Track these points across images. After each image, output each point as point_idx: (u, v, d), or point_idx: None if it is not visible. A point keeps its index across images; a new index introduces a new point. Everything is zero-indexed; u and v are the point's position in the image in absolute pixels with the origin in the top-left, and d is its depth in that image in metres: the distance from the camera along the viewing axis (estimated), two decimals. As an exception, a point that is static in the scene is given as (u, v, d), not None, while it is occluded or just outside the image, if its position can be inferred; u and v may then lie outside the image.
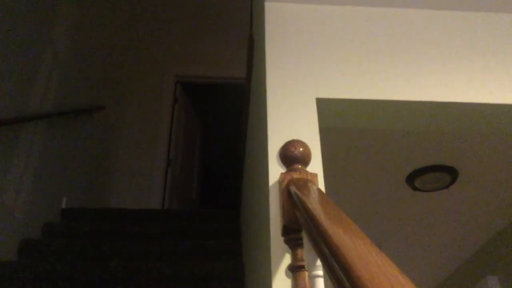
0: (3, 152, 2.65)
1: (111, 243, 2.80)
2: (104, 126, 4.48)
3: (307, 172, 1.18)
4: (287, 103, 1.50)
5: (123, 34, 5.14)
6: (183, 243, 2.82)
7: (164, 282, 2.48)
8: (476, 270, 3.04)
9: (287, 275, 1.14)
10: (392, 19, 1.81)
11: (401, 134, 1.99)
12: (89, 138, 4.06)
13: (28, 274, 2.45)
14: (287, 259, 1.17)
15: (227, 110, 6.56)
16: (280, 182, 1.20)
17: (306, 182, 1.11)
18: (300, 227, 1.04)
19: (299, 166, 1.18)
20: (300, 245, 1.06)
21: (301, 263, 1.03)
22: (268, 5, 1.78)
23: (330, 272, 0.67)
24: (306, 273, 1.00)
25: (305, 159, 1.20)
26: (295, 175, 1.16)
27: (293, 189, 1.08)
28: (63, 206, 3.44)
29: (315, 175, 1.17)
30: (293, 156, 1.19)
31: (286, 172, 1.19)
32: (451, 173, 2.28)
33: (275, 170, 1.30)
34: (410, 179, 2.32)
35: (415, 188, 2.38)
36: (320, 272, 0.89)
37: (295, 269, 1.04)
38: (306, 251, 0.95)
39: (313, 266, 0.90)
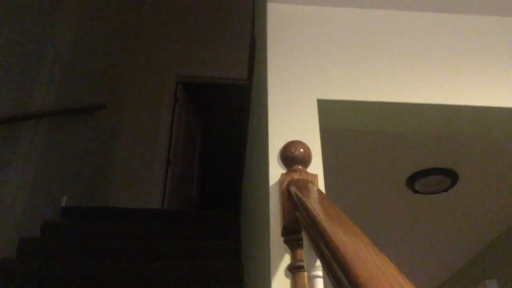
0: (4, 150, 2.65)
1: (111, 242, 2.80)
2: (105, 125, 4.48)
3: (307, 173, 1.18)
4: (288, 104, 1.51)
5: (124, 34, 5.14)
6: (183, 243, 2.82)
7: (163, 282, 2.49)
8: (475, 273, 3.04)
9: (286, 275, 1.14)
10: (393, 22, 1.81)
11: (402, 137, 1.99)
12: (89, 137, 4.06)
13: (27, 273, 2.45)
14: (286, 260, 1.17)
15: (227, 111, 6.56)
16: (280, 182, 1.20)
17: (306, 183, 1.11)
18: (300, 227, 1.04)
19: (300, 167, 1.19)
20: (300, 245, 1.07)
21: (300, 264, 1.03)
22: (270, 6, 1.78)
23: (329, 272, 0.67)
24: (306, 273, 1.00)
25: (305, 160, 1.20)
26: (296, 176, 1.16)
27: (293, 189, 1.08)
28: (63, 204, 3.44)
29: (315, 176, 1.18)
30: (293, 156, 1.19)
31: (286, 173, 1.19)
32: (451, 176, 2.28)
33: (276, 171, 1.30)
34: (410, 181, 2.32)
35: (415, 191, 2.38)
36: (319, 272, 0.89)
37: (294, 270, 1.04)
38: (306, 252, 0.95)
39: (312, 266, 0.90)
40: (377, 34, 1.77)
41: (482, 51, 1.76)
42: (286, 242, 1.12)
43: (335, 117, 1.66)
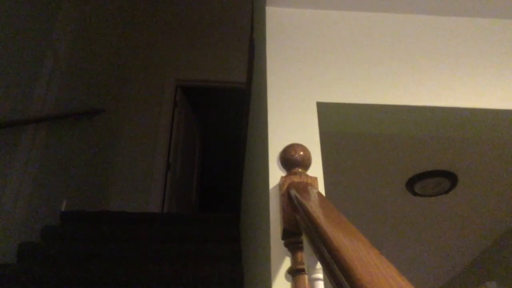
0: (3, 155, 2.65)
1: (110, 247, 2.79)
2: (104, 129, 4.48)
3: (307, 175, 1.18)
4: (287, 107, 1.51)
5: (123, 37, 5.15)
6: (183, 247, 2.82)
7: (163, 286, 2.48)
8: (476, 275, 3.04)
9: (287, 278, 1.14)
10: (392, 25, 1.81)
11: (401, 139, 1.99)
12: (89, 141, 4.06)
13: (27, 277, 2.45)
14: (287, 263, 1.17)
15: (227, 114, 6.57)
16: (280, 185, 1.20)
17: (306, 186, 1.11)
18: (300, 230, 1.04)
19: (299, 170, 1.19)
20: (300, 248, 1.07)
21: (301, 266, 1.03)
22: (269, 10, 1.79)
23: (330, 275, 0.67)
24: (306, 276, 1.00)
25: (305, 163, 1.20)
26: (295, 179, 1.16)
27: (293, 192, 1.09)
28: (63, 209, 3.44)
29: (315, 179, 1.18)
30: (293, 159, 1.19)
31: (286, 176, 1.19)
32: (451, 178, 2.28)
33: (275, 174, 1.30)
34: (410, 184, 2.32)
35: (415, 193, 2.38)
36: (320, 275, 0.89)
37: (295, 273, 1.04)
38: (306, 254, 0.95)
39: (313, 269, 0.90)
40: (375, 37, 1.77)
41: (481, 53, 1.77)
42: (286, 245, 1.12)
43: (335, 120, 1.66)
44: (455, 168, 2.22)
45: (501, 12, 1.85)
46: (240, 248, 2.87)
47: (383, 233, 2.79)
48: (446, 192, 2.38)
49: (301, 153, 1.20)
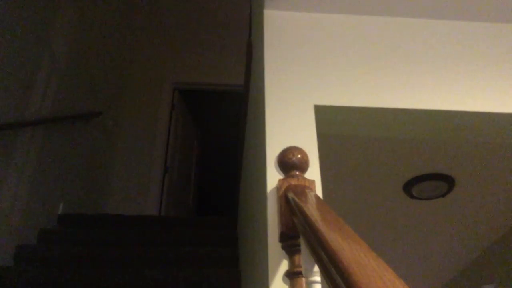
0: (0, 157, 2.65)
1: (107, 250, 2.79)
2: (102, 132, 4.48)
3: (304, 178, 1.18)
4: (285, 110, 1.51)
5: (121, 40, 5.15)
6: (180, 250, 2.81)
7: (161, 289, 2.48)
8: (473, 278, 3.04)
9: (284, 281, 1.14)
10: (389, 28, 1.82)
11: (399, 142, 2.00)
12: (86, 144, 4.05)
13: (24, 280, 2.44)
14: (284, 266, 1.17)
15: (224, 117, 6.57)
16: (277, 188, 1.20)
17: (303, 189, 1.11)
18: (298, 233, 1.04)
19: (297, 173, 1.19)
20: (298, 251, 1.06)
21: (298, 269, 1.03)
22: (267, 13, 1.79)
23: (327, 278, 0.67)
24: (304, 279, 1.00)
25: (303, 166, 1.20)
26: (293, 182, 1.16)
27: (290, 195, 1.08)
28: (60, 212, 3.43)
29: (313, 182, 1.18)
30: (291, 162, 1.19)
31: (284, 179, 1.19)
32: (448, 181, 2.28)
33: (273, 177, 1.30)
34: (407, 187, 2.32)
35: (412, 196, 2.39)
36: (317, 278, 0.89)
37: (292, 275, 1.04)
38: (304, 257, 0.95)
39: (310, 272, 0.90)
40: (373, 40, 1.78)
41: (477, 57, 1.77)
42: (284, 248, 1.12)
43: (332, 123, 1.66)
44: (453, 171, 2.22)
45: (498, 16, 1.86)
46: (237, 251, 2.87)
47: (380, 236, 2.79)
48: (443, 195, 2.38)
49: (299, 156, 1.20)
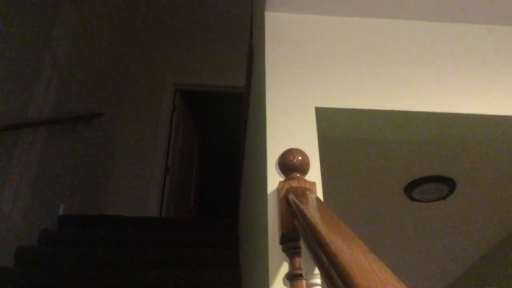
0: (1, 158, 2.65)
1: (108, 251, 2.78)
2: (103, 133, 4.48)
3: (305, 180, 1.18)
4: (286, 112, 1.51)
5: (122, 41, 5.15)
6: (180, 252, 2.81)
7: (161, 291, 2.47)
8: (474, 281, 3.03)
9: (284, 283, 1.14)
10: (390, 31, 1.82)
11: (400, 145, 2.00)
12: (87, 145, 4.06)
13: (24, 281, 2.44)
14: (285, 268, 1.17)
15: (225, 119, 6.57)
16: (278, 190, 1.20)
17: (304, 191, 1.11)
18: (298, 235, 1.04)
19: (298, 175, 1.19)
20: (298, 253, 1.06)
21: (299, 272, 1.03)
22: (268, 15, 1.79)
23: (328, 280, 0.67)
24: (304, 281, 1.00)
25: (303, 168, 1.20)
26: (294, 184, 1.16)
27: (291, 197, 1.08)
28: (60, 213, 3.43)
29: (314, 184, 1.18)
30: (291, 164, 1.19)
31: (284, 181, 1.19)
32: (449, 184, 2.28)
33: (274, 179, 1.30)
34: (408, 189, 2.32)
35: (413, 199, 2.38)
36: (318, 280, 0.89)
37: (293, 278, 1.04)
38: (304, 260, 0.95)
39: (311, 274, 0.89)
40: (374, 43, 1.78)
41: (478, 59, 1.77)
42: (284, 250, 1.12)
43: (333, 125, 1.66)
44: (454, 173, 2.22)
45: (499, 19, 1.86)
46: (238, 253, 2.87)
47: (381, 238, 2.78)
48: (444, 197, 2.38)
49: (300, 158, 1.20)
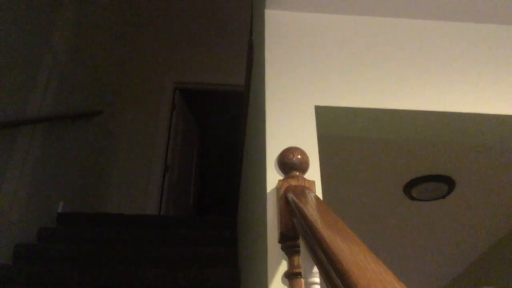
0: (0, 156, 2.65)
1: (107, 249, 2.78)
2: (102, 131, 4.47)
3: (304, 179, 1.17)
4: (285, 110, 1.51)
5: (122, 39, 5.15)
6: (179, 250, 2.81)
7: (160, 289, 2.47)
8: (473, 280, 3.04)
9: (283, 282, 1.14)
10: (390, 29, 1.82)
11: (399, 143, 1.99)
12: (86, 143, 4.05)
13: (23, 279, 2.44)
14: (283, 266, 1.16)
15: (225, 117, 6.56)
16: (277, 189, 1.19)
17: (303, 189, 1.11)
18: (297, 234, 1.04)
19: (297, 173, 1.18)
20: (297, 252, 1.06)
21: (297, 270, 1.03)
22: (268, 13, 1.79)
23: (326, 279, 0.67)
24: (303, 280, 1.00)
25: (303, 166, 1.20)
26: (293, 182, 1.16)
27: (290, 196, 1.08)
28: (59, 210, 3.43)
29: (313, 183, 1.17)
30: (291, 163, 1.19)
31: (283, 179, 1.19)
32: (448, 183, 2.28)
33: (273, 177, 1.30)
34: (407, 188, 2.32)
35: (412, 198, 2.38)
36: (316, 279, 0.88)
37: (291, 276, 1.04)
38: (303, 258, 0.94)
39: (309, 273, 0.89)
40: (374, 41, 1.77)
41: (478, 58, 1.77)
42: (283, 248, 1.12)
43: (333, 123, 1.66)
44: (453, 172, 2.22)
45: (500, 18, 1.86)
46: (237, 252, 2.87)
47: (380, 237, 2.78)
48: (444, 196, 2.38)
49: (299, 156, 1.19)
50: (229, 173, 6.15)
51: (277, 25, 1.76)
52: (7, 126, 2.64)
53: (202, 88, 5.60)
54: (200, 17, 5.48)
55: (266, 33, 1.73)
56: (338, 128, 1.69)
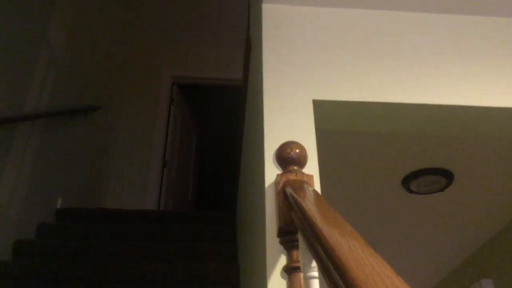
0: (-2, 152, 2.64)
1: (106, 244, 2.79)
2: (100, 126, 4.47)
3: (303, 173, 1.17)
4: (283, 105, 1.50)
5: (119, 34, 5.13)
6: (178, 245, 2.81)
7: (159, 284, 2.48)
8: (471, 273, 3.05)
9: (282, 276, 1.14)
10: (389, 22, 1.81)
11: (397, 137, 1.99)
12: (84, 139, 4.05)
13: (23, 275, 2.44)
14: (282, 261, 1.17)
15: (223, 112, 6.55)
16: (276, 183, 1.19)
17: (302, 184, 1.11)
18: (296, 228, 1.04)
19: (295, 168, 1.18)
20: (296, 246, 1.06)
21: (296, 265, 1.03)
22: (265, 7, 1.78)
23: (325, 273, 0.67)
24: (302, 274, 1.00)
25: (301, 161, 1.19)
26: (291, 177, 1.16)
27: (289, 190, 1.08)
28: (58, 206, 3.43)
29: (311, 177, 1.17)
30: (289, 157, 1.19)
31: (282, 174, 1.19)
32: (447, 176, 2.28)
33: (271, 172, 1.30)
34: (406, 181, 2.32)
35: (411, 191, 2.39)
36: (315, 273, 0.89)
37: (290, 270, 1.04)
38: (302, 253, 0.95)
39: (308, 267, 0.89)
40: (372, 34, 1.77)
41: (477, 51, 1.77)
42: (282, 243, 1.12)
43: (331, 117, 1.66)
44: (451, 166, 2.22)
45: (499, 10, 1.85)
46: (236, 246, 2.87)
47: (378, 231, 2.79)
48: (442, 190, 2.38)
49: (297, 150, 1.19)
50: (227, 168, 6.15)
51: (275, 19, 1.75)
52: (5, 122, 2.63)
53: (200, 82, 5.59)
54: (198, 11, 5.45)
55: (263, 27, 1.72)
56: (336, 122, 1.69)
